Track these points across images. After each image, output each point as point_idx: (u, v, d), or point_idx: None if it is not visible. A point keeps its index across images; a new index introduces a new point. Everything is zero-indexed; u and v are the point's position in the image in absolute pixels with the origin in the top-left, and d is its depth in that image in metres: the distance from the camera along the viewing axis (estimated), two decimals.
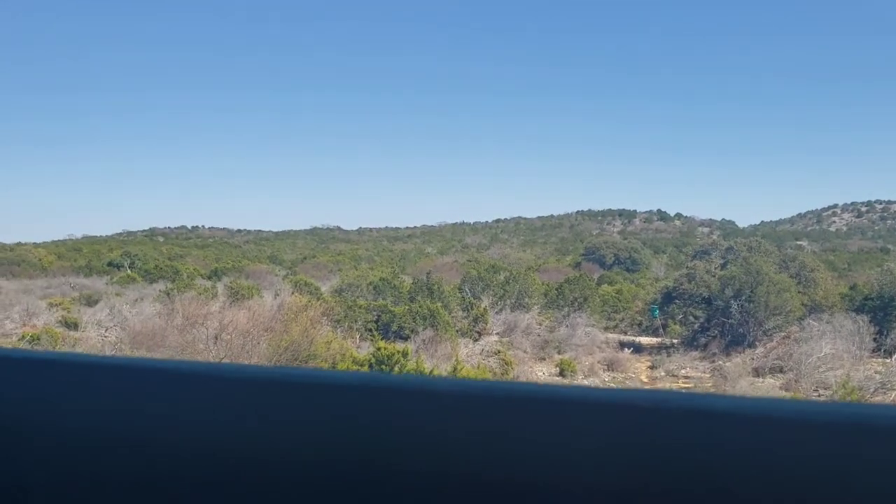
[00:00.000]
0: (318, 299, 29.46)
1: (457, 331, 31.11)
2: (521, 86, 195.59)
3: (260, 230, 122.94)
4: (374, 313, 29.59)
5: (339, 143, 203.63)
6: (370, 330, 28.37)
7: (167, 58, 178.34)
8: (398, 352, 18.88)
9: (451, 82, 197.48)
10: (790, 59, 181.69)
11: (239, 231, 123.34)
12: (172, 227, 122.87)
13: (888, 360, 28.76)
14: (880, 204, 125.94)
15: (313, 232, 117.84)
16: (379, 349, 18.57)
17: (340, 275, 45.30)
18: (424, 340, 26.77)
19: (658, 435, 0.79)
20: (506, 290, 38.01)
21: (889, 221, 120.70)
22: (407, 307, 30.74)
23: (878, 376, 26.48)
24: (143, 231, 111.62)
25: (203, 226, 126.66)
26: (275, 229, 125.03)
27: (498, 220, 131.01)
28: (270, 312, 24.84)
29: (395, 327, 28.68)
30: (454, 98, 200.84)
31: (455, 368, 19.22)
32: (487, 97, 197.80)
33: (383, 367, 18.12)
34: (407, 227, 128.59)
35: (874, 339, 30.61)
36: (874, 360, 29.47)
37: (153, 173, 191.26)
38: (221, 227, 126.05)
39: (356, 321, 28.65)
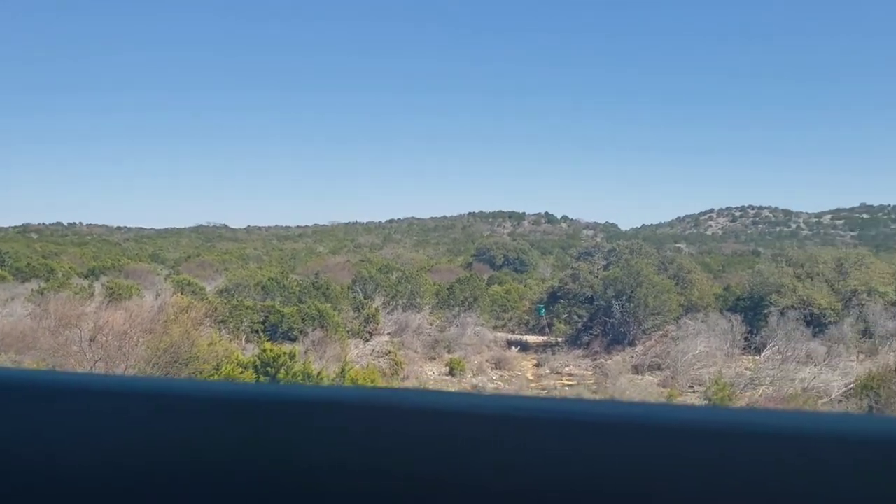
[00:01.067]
0: (202, 300, 28.57)
1: (347, 331, 30.87)
2: (413, 83, 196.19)
3: (141, 227, 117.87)
4: (262, 314, 28.94)
5: (226, 139, 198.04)
6: (257, 331, 27.72)
7: (29, 47, 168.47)
8: (285, 353, 18.55)
9: (342, 80, 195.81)
10: (671, 67, 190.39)
11: (119, 228, 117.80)
12: (47, 223, 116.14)
13: (757, 358, 30.46)
14: (752, 209, 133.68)
15: (198, 230, 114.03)
16: (265, 351, 18.18)
17: (227, 274, 44.06)
18: (314, 341, 26.43)
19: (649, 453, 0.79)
20: (398, 291, 38.02)
21: (760, 226, 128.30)
22: (296, 308, 30.25)
23: (748, 373, 28.10)
24: (15, 227, 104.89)
25: (80, 222, 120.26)
26: (157, 227, 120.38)
27: (391, 221, 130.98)
28: (151, 313, 23.88)
29: (283, 328, 28.15)
30: (345, 96, 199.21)
31: (343, 370, 19.04)
32: (379, 95, 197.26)
33: (269, 369, 17.75)
34: (298, 227, 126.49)
35: (745, 338, 32.43)
36: (745, 357, 31.21)
37: (26, 167, 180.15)
38: (100, 223, 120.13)
39: (242, 322, 27.94)
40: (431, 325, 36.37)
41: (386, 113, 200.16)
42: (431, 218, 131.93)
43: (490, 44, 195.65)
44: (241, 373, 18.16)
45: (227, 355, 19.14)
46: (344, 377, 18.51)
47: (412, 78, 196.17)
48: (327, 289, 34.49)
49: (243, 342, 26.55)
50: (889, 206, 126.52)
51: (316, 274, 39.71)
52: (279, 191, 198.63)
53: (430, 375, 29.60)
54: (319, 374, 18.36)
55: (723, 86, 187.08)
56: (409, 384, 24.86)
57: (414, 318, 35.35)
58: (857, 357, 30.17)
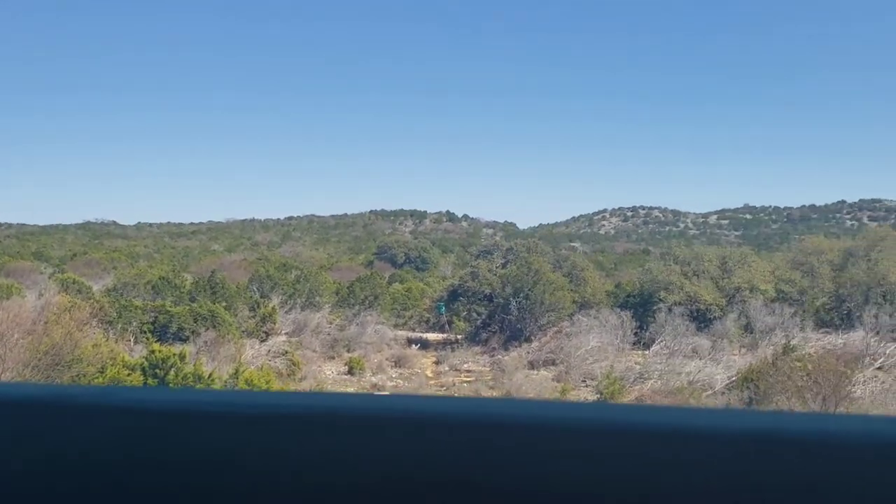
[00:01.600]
0: (88, 299, 27.27)
1: (243, 331, 30.14)
2: (313, 81, 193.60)
3: (24, 224, 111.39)
4: (151, 314, 27.85)
5: (116, 133, 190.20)
6: (146, 332, 26.66)
7: None
8: (175, 354, 17.90)
9: (238, 76, 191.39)
10: (560, 63, 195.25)
11: None
12: None
13: (646, 353, 31.60)
14: (643, 209, 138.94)
15: (86, 227, 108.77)
16: (153, 352, 17.49)
17: (115, 273, 42.26)
18: (206, 342, 25.65)
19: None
20: (296, 289, 37.42)
21: (651, 225, 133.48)
22: (188, 307, 29.28)
23: (637, 367, 29.09)
24: None
25: None
26: (41, 223, 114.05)
27: (290, 218, 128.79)
28: (32, 314, 22.60)
29: (173, 329, 27.18)
30: (240, 93, 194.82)
31: (237, 371, 18.55)
32: (276, 92, 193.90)
33: (158, 371, 17.10)
34: (192, 224, 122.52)
35: (635, 333, 33.62)
36: (634, 352, 32.33)
37: None
38: None
39: (131, 323, 26.82)
40: (331, 324, 35.97)
41: (285, 110, 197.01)
42: (332, 216, 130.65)
43: (394, 40, 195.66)
44: (129, 375, 17.43)
45: (112, 357, 18.31)
46: (238, 378, 18.03)
47: (312, 76, 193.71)
48: (222, 288, 33.55)
49: (132, 343, 25.50)
50: (770, 207, 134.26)
51: (211, 273, 38.53)
52: (172, 186, 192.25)
53: (328, 375, 29.28)
54: (211, 375, 17.81)
55: (617, 88, 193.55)
56: (306, 385, 24.49)
57: (313, 318, 34.88)
58: (739, 351, 31.79)
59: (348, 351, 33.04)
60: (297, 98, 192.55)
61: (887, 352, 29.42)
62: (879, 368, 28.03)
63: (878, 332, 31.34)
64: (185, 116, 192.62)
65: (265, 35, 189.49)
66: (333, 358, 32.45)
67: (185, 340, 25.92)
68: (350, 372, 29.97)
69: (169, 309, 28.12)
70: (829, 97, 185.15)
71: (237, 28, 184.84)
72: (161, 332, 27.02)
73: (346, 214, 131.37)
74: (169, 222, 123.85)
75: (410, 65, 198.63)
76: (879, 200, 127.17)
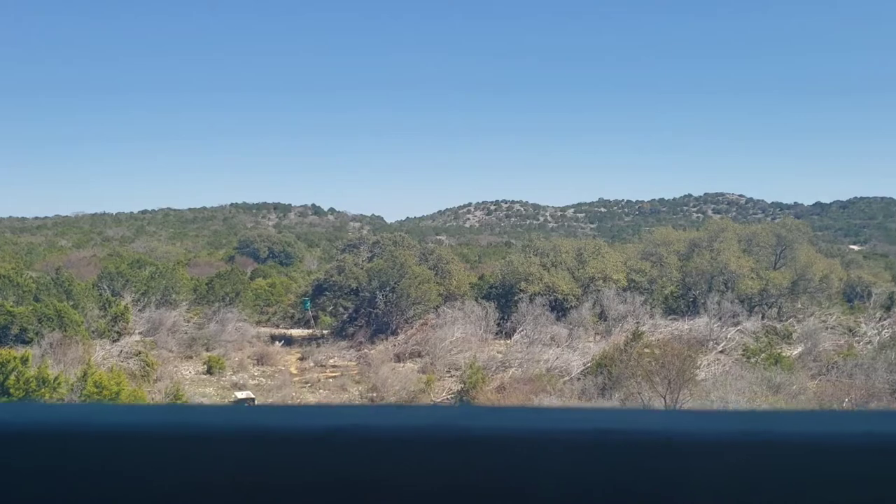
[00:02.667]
0: None
1: (93, 332, 28.49)
2: (171, 74, 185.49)
3: None
4: None
5: None
6: None
7: None
8: (15, 358, 16.71)
9: (92, 65, 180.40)
10: (430, 67, 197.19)
11: None
12: None
13: (508, 342, 32.48)
14: (506, 203, 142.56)
15: None
16: None
17: None
18: (52, 344, 24.06)
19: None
20: (150, 287, 35.73)
21: (513, 219, 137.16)
22: (31, 307, 27.34)
23: (499, 356, 29.88)
24: None
25: None
26: None
27: (145, 212, 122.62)
28: None
29: (15, 330, 25.31)
30: (95, 81, 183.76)
31: (86, 373, 17.53)
32: (138, 82, 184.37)
33: None
34: (36, 218, 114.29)
35: (498, 324, 34.53)
36: (497, 341, 33.19)
37: None
38: None
39: None
40: (188, 322, 34.66)
41: (139, 99, 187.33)
42: (190, 209, 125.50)
43: (259, 32, 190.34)
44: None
45: None
46: (86, 381, 17.04)
47: (174, 68, 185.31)
48: (69, 286, 31.53)
49: None
50: (623, 200, 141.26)
51: (57, 269, 36.12)
52: (13, 178, 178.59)
53: (186, 375, 28.22)
54: (57, 378, 16.75)
55: (481, 81, 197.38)
56: (162, 386, 23.49)
57: (169, 316, 33.46)
58: (595, 338, 33.30)
59: (207, 350, 31.95)
60: (152, 87, 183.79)
61: (728, 336, 31.75)
62: (721, 352, 30.21)
63: (720, 318, 33.72)
64: (27, 101, 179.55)
65: (124, 24, 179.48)
66: (192, 357, 31.30)
67: (28, 343, 24.21)
68: (209, 371, 29.03)
69: (10, 309, 26.14)
70: (674, 95, 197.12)
71: (85, 9, 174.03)
72: (1, 334, 25.11)
73: (205, 207, 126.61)
74: (11, 216, 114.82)
75: (274, 57, 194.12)
76: (722, 194, 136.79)
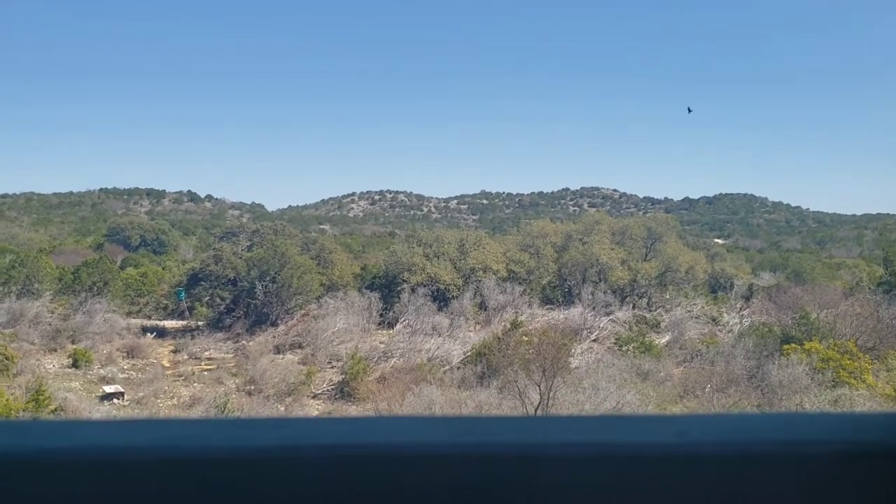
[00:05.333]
0: None
1: None
2: (32, 52, 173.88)
3: None
4: None
5: None
6: None
7: None
8: None
9: None
10: (312, 53, 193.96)
11: None
12: None
13: (391, 332, 32.56)
14: (390, 193, 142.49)
15: None
16: None
17: None
18: None
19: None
20: (10, 276, 33.58)
21: (397, 209, 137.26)
22: None
23: (382, 346, 29.92)
24: None
25: None
26: None
27: (4, 196, 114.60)
28: None
29: None
30: None
31: None
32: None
33: None
34: None
35: (381, 314, 34.52)
36: (380, 332, 33.20)
37: None
38: None
39: None
40: (52, 313, 32.76)
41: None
42: (55, 193, 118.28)
43: (118, 17, 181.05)
44: None
45: None
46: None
47: (39, 46, 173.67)
48: None
49: None
50: (504, 193, 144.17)
51: None
52: None
53: (49, 369, 26.70)
54: None
55: (367, 69, 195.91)
56: (23, 380, 22.11)
57: (31, 307, 31.54)
58: (475, 328, 33.90)
59: (73, 342, 30.34)
60: (15, 59, 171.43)
61: (601, 325, 33.07)
62: (595, 340, 31.43)
63: (594, 308, 35.04)
64: None
65: None
66: (56, 350, 29.64)
67: None
68: (75, 365, 27.60)
69: None
70: (554, 88, 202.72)
71: None
72: None
73: (71, 192, 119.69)
74: None
75: (156, 39, 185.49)
76: (598, 188, 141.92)
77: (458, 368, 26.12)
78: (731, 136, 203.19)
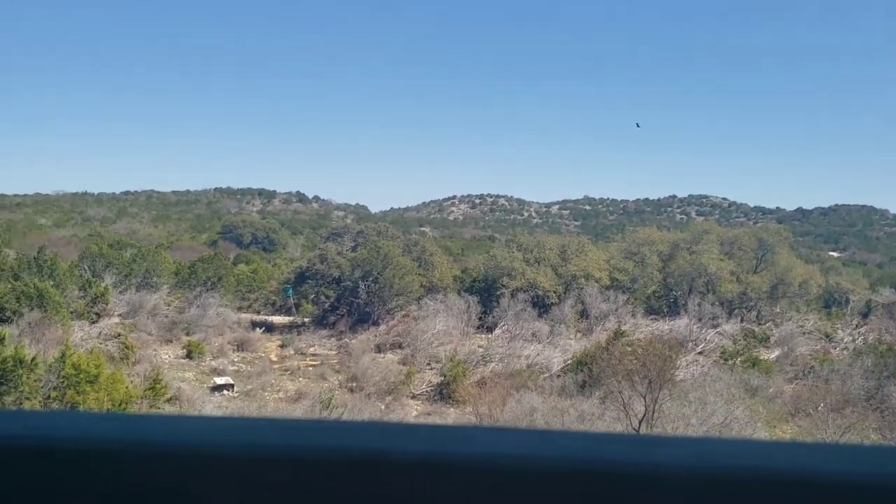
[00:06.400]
0: None
1: (72, 312, 28.18)
2: (156, 58, 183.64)
3: None
4: None
5: None
6: None
7: None
8: None
9: (74, 47, 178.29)
10: (419, 58, 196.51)
11: None
12: None
13: (490, 336, 32.56)
14: (491, 197, 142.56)
15: None
16: None
17: None
18: (30, 323, 23.78)
19: None
20: (132, 269, 35.47)
21: (497, 213, 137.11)
22: (10, 286, 26.99)
23: (480, 350, 29.92)
24: None
25: None
26: None
27: (127, 193, 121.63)
28: None
29: None
30: (79, 63, 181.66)
31: (64, 354, 17.36)
32: (124, 64, 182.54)
33: None
34: (15, 195, 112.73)
35: (479, 318, 34.56)
36: (479, 335, 33.25)
37: None
38: None
39: None
40: (169, 305, 34.43)
41: (123, 81, 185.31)
42: (174, 192, 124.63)
43: (237, 22, 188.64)
44: None
45: None
46: (64, 363, 16.88)
47: (158, 50, 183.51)
48: (52, 266, 31.17)
49: None
50: (608, 199, 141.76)
51: (39, 249, 35.72)
52: None
53: (165, 359, 28.04)
54: (34, 359, 16.57)
55: (468, 74, 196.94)
56: (141, 369, 23.30)
57: (149, 299, 33.21)
58: (576, 336, 33.44)
59: (188, 334, 31.77)
60: (137, 69, 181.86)
61: (707, 337, 32.00)
62: (700, 353, 30.44)
63: (700, 319, 33.98)
64: (6, 80, 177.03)
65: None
66: (171, 341, 31.11)
67: (5, 321, 23.93)
68: (189, 356, 28.86)
69: None
70: (665, 97, 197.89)
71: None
72: None
73: (188, 191, 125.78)
74: None
75: (254, 42, 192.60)
76: (706, 196, 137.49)
77: (558, 376, 25.80)
78: (848, 146, 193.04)
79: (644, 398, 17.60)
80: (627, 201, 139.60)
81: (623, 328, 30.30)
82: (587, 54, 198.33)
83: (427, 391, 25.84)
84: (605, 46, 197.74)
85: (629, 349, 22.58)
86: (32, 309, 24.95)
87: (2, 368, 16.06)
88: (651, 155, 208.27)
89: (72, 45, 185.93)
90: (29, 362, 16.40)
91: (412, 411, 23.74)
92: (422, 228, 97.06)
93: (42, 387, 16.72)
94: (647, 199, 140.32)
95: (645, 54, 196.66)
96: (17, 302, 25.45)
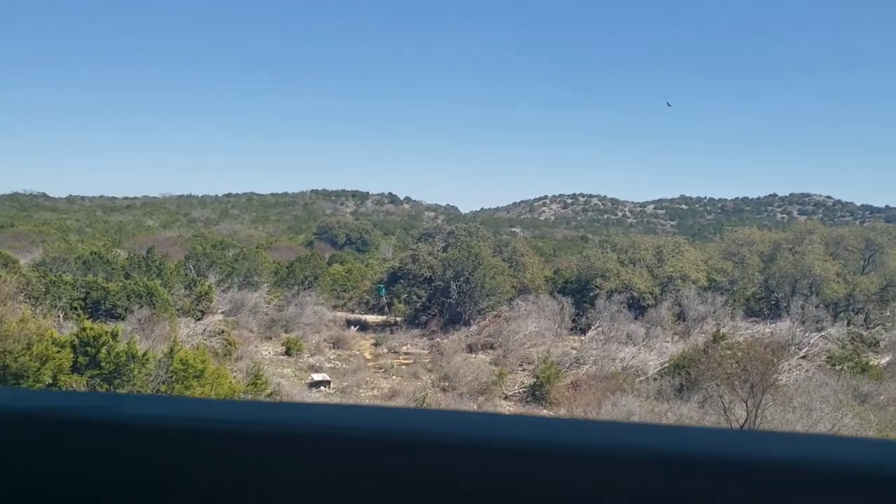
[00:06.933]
0: (14, 273, 26.26)
1: (178, 310, 29.48)
2: (253, 63, 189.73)
3: None
4: (82, 290, 27.00)
5: (47, 101, 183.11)
6: (76, 308, 25.85)
7: None
8: (107, 332, 17.41)
9: (179, 55, 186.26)
10: (508, 63, 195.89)
11: None
12: None
13: (583, 338, 32.12)
14: (583, 197, 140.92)
15: (13, 198, 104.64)
16: (84, 329, 16.99)
17: (44, 247, 40.78)
18: (140, 320, 25.02)
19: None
20: (234, 268, 36.82)
21: (589, 213, 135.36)
22: (122, 284, 28.47)
23: (573, 352, 29.56)
24: None
25: None
26: None
27: (229, 195, 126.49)
28: None
29: (106, 305, 26.42)
30: (181, 69, 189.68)
31: (172, 350, 18.16)
32: (220, 70, 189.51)
33: (89, 349, 16.64)
34: (125, 198, 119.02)
35: (573, 319, 34.14)
36: (572, 337, 32.85)
37: None
38: None
39: (60, 298, 25.95)
40: (269, 303, 35.55)
41: (224, 85, 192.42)
42: (272, 194, 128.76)
43: (339, 28, 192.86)
44: (58, 352, 16.89)
45: (40, 333, 17.71)
46: (172, 358, 17.66)
47: (256, 56, 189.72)
48: (160, 265, 32.73)
49: (60, 320, 24.70)
50: (705, 198, 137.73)
51: (148, 249, 37.56)
52: (105, 159, 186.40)
53: (265, 355, 28.94)
54: (145, 354, 17.41)
55: (559, 77, 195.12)
56: (243, 365, 24.16)
57: (250, 297, 34.38)
58: (672, 338, 32.58)
59: (286, 332, 32.71)
60: (236, 75, 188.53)
61: (811, 341, 30.62)
62: (804, 357, 29.14)
63: (803, 322, 32.54)
64: (118, 89, 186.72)
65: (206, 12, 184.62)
66: (271, 338, 32.09)
67: (118, 318, 25.24)
68: (287, 353, 29.70)
69: (102, 285, 27.31)
70: (763, 95, 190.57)
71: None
72: (93, 308, 26.25)
73: (286, 193, 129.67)
74: (102, 196, 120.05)
75: (343, 45, 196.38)
76: (809, 195, 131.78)
77: (655, 380, 25.21)
78: None
79: (746, 403, 16.99)
80: (725, 200, 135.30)
81: (722, 330, 29.35)
82: (681, 55, 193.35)
83: (519, 392, 25.73)
84: (703, 44, 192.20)
85: (729, 352, 21.85)
86: (142, 306, 26.23)
87: (116, 362, 16.94)
88: (750, 153, 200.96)
89: (186, 46, 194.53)
90: (140, 357, 17.24)
91: (505, 412, 23.69)
92: (512, 229, 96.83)
93: (152, 381, 17.55)
94: (745, 198, 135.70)
95: (746, 51, 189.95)
96: (128, 299, 26.80)
